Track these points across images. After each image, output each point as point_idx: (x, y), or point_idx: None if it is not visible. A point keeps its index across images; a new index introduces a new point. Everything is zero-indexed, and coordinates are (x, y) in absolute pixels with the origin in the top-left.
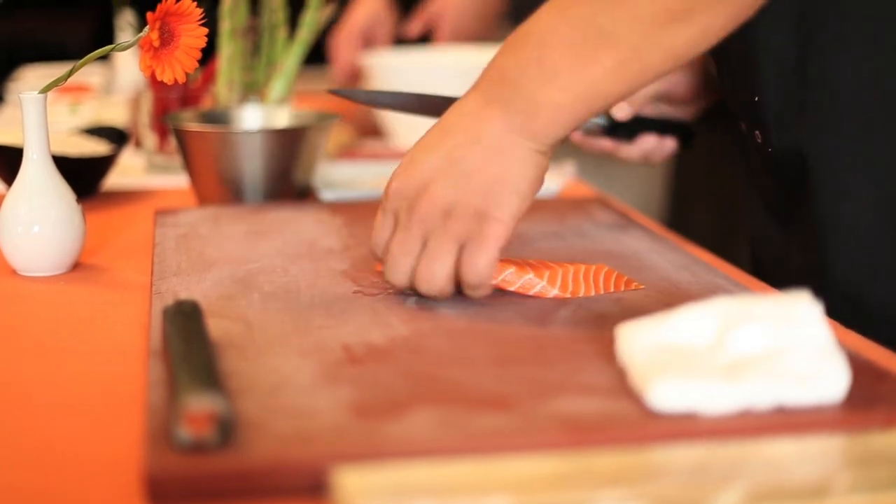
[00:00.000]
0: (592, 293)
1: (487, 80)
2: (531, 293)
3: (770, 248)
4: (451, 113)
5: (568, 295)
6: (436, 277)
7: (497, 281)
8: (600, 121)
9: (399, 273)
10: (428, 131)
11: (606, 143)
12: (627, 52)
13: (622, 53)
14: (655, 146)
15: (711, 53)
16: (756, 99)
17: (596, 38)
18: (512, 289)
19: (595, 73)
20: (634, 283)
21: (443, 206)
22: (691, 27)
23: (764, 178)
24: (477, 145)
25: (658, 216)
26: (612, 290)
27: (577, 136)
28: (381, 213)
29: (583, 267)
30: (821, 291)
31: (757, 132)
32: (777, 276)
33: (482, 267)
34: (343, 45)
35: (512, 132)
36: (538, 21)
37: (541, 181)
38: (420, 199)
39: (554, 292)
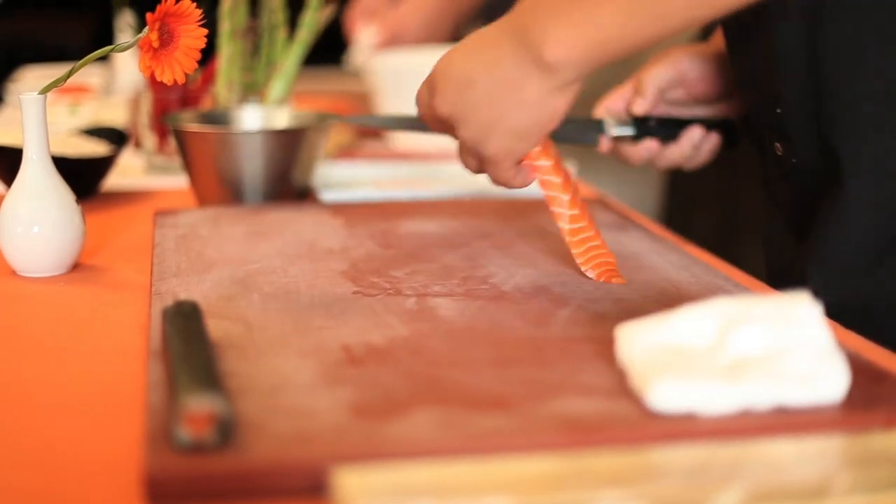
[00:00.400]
0: (580, 261)
1: (513, 11)
2: (549, 194)
3: (786, 263)
4: (489, 28)
5: (577, 224)
6: (469, 168)
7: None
8: (628, 130)
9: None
10: (460, 44)
11: (651, 146)
12: None
13: None
14: (701, 142)
15: (733, 64)
16: (778, 111)
17: None
18: (538, 180)
19: (605, 10)
20: (616, 279)
21: (451, 120)
22: None
23: (783, 192)
24: (490, 75)
25: (657, 217)
26: (594, 277)
27: (606, 147)
28: (425, 82)
29: (599, 241)
30: (839, 308)
31: (777, 144)
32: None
33: (504, 184)
34: (358, 22)
35: (524, 65)
36: None
37: (551, 120)
38: (438, 99)
39: (570, 213)
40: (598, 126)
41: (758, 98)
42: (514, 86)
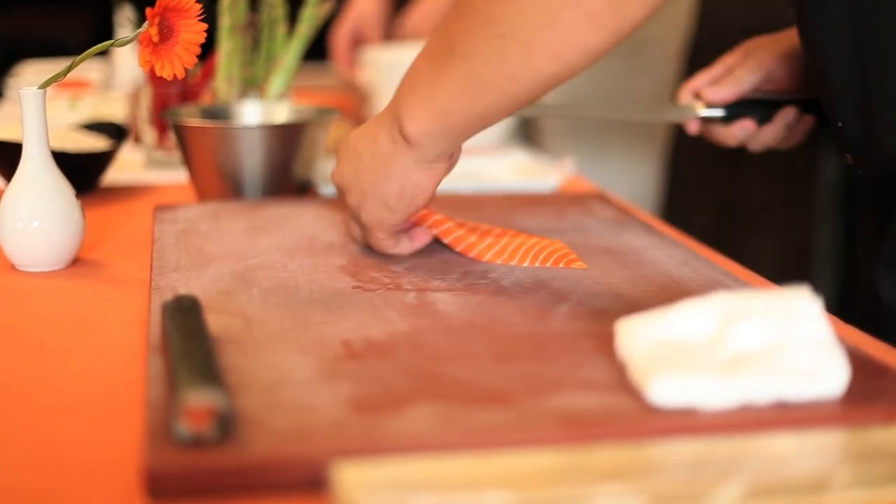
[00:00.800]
0: (526, 265)
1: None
2: (460, 249)
3: (858, 281)
4: (377, 114)
5: (499, 262)
6: (355, 239)
7: (434, 231)
8: (718, 111)
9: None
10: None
11: (748, 125)
12: (465, 64)
13: (465, 67)
14: (795, 122)
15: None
16: (840, 125)
17: (449, 52)
18: (445, 240)
19: (446, 86)
20: (578, 263)
21: (339, 188)
22: (520, 45)
23: (853, 204)
24: (371, 149)
25: (657, 211)
26: (550, 265)
27: (694, 128)
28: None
29: (533, 239)
30: None
31: (847, 155)
32: (868, 310)
33: (374, 245)
34: (340, 42)
35: (394, 140)
36: (434, 29)
37: (416, 193)
38: (334, 170)
39: (487, 256)
40: (688, 108)
41: (827, 111)
42: (387, 159)
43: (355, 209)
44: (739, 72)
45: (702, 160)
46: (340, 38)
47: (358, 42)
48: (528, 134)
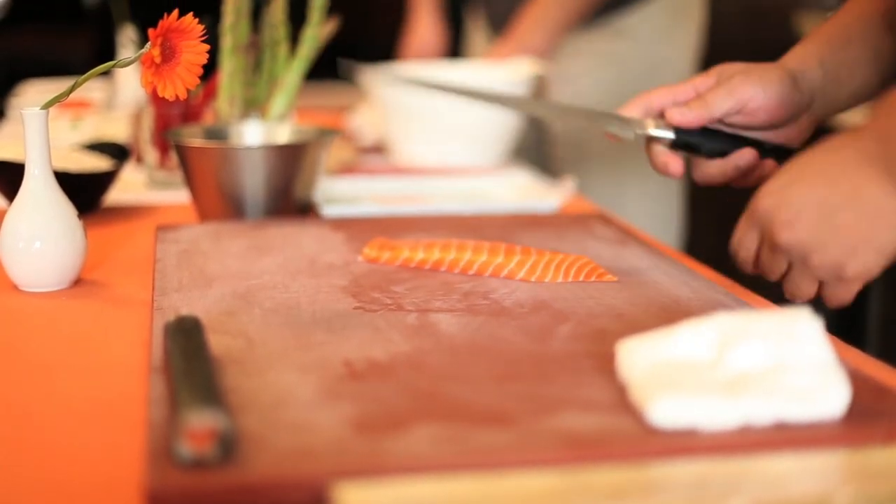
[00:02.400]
0: (560, 280)
1: (871, 134)
2: (489, 273)
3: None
4: (833, 153)
5: (533, 280)
6: (801, 297)
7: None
8: (668, 133)
9: (770, 277)
10: (810, 158)
11: (677, 162)
12: None
13: None
14: (750, 167)
15: None
16: None
17: None
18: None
19: None
20: (608, 276)
21: (805, 248)
22: None
23: None
24: (853, 203)
25: (670, 233)
26: (582, 279)
27: (647, 150)
28: (747, 220)
29: (559, 256)
30: None
31: None
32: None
33: (843, 302)
34: (412, 58)
35: (892, 195)
36: None
37: None
38: (786, 231)
39: (520, 274)
40: (636, 122)
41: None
42: (883, 212)
43: (836, 265)
44: (711, 97)
45: (724, 193)
46: (413, 49)
47: None
48: (543, 163)
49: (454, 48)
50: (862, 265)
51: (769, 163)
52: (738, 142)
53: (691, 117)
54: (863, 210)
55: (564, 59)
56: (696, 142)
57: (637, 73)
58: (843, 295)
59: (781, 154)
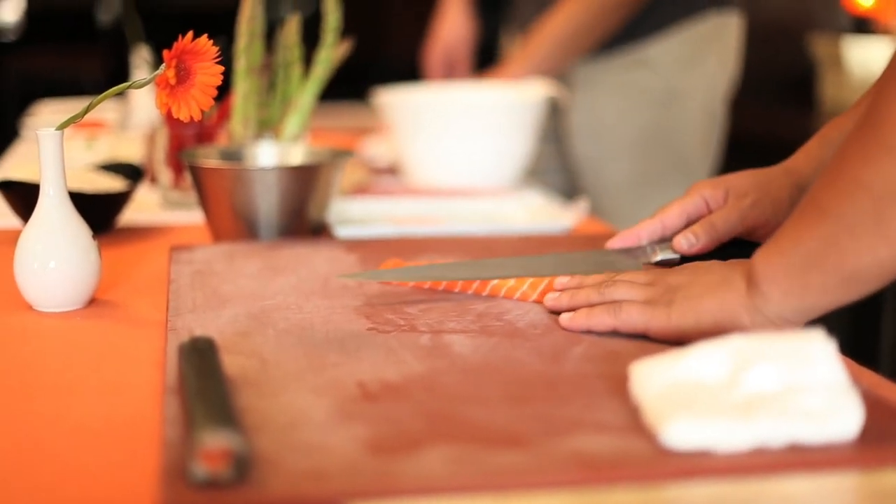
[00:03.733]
0: None
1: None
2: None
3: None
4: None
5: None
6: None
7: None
8: (674, 256)
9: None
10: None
11: None
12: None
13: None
14: None
15: None
16: None
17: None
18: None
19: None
20: None
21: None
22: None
23: None
24: (706, 278)
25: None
26: None
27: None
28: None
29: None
30: None
31: None
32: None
33: (627, 317)
34: (433, 65)
35: (740, 276)
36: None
37: (734, 329)
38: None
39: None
40: (641, 253)
41: None
42: (725, 285)
43: (645, 292)
44: (721, 224)
45: None
46: (433, 61)
47: (449, 64)
48: (565, 184)
49: (483, 44)
50: (677, 306)
51: None
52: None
53: (699, 248)
54: (712, 281)
55: (584, 87)
56: (701, 257)
57: (657, 103)
58: (626, 315)
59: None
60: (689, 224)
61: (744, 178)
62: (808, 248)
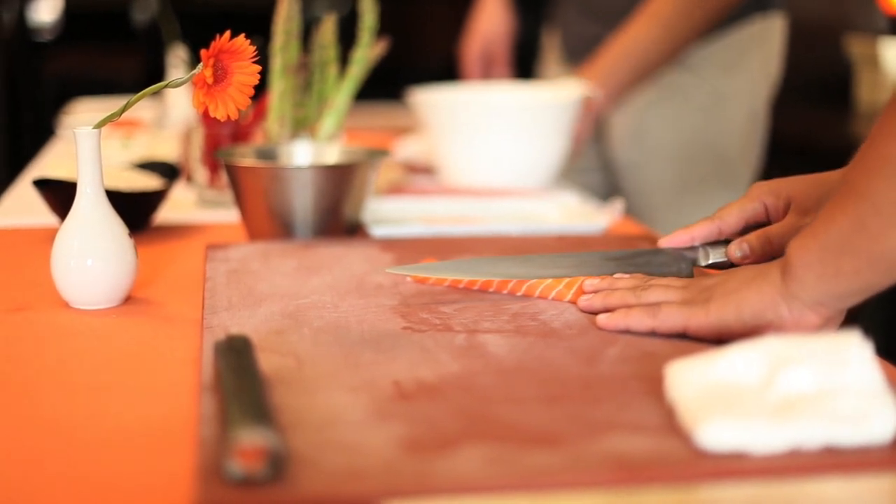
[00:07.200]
0: None
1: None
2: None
3: None
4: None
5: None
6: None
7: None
8: (724, 260)
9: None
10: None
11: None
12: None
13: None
14: None
15: None
16: None
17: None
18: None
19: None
20: None
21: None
22: None
23: None
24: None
25: None
26: None
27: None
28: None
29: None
30: None
31: None
32: None
33: (666, 317)
34: (471, 61)
35: (775, 268)
36: None
37: (772, 326)
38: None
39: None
40: (690, 258)
41: None
42: (762, 275)
43: (682, 294)
44: (778, 239)
45: None
46: (471, 56)
47: (487, 60)
48: (604, 184)
49: (522, 40)
50: (720, 304)
51: None
52: None
53: (751, 260)
54: (749, 272)
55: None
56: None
57: (700, 107)
58: (666, 316)
59: None
60: (745, 229)
61: (806, 189)
62: (840, 229)
